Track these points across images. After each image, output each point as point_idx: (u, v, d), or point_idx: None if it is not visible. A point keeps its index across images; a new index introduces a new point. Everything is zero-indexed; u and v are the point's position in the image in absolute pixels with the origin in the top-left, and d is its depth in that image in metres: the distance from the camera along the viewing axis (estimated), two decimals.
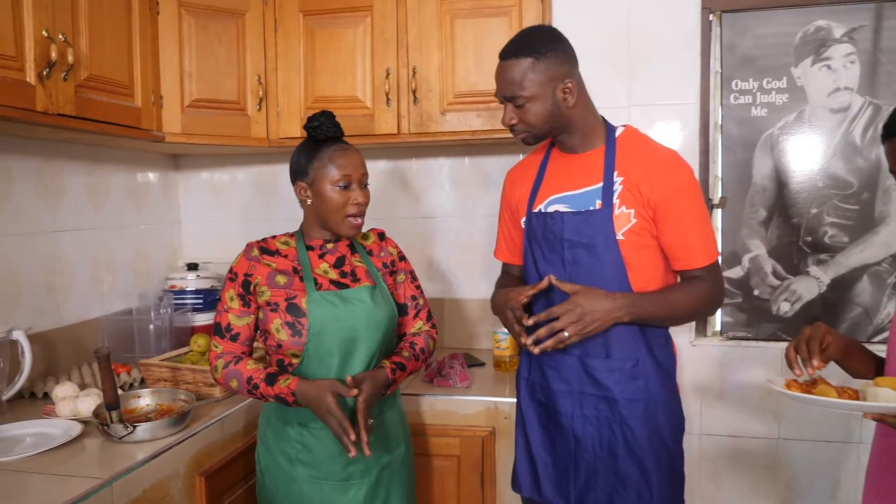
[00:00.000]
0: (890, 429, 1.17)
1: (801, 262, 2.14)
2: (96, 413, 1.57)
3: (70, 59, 1.67)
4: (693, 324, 2.18)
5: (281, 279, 1.52)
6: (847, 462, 2.10)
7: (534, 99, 1.46)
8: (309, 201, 1.55)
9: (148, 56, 2.01)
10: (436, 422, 1.97)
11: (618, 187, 1.48)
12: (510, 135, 2.10)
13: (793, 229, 2.13)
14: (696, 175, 1.61)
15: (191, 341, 2.08)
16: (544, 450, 1.60)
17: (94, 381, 1.93)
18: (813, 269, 2.13)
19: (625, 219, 1.47)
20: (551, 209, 1.55)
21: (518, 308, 1.49)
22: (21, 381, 1.78)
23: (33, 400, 1.87)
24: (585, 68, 1.56)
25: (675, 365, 1.58)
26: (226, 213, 2.74)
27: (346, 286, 1.54)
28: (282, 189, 2.65)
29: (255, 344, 1.60)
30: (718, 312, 2.20)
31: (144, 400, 1.75)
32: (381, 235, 1.70)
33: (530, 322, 1.46)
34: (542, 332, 1.43)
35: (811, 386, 1.22)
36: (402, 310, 1.66)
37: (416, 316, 1.69)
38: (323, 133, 1.53)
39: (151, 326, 2.27)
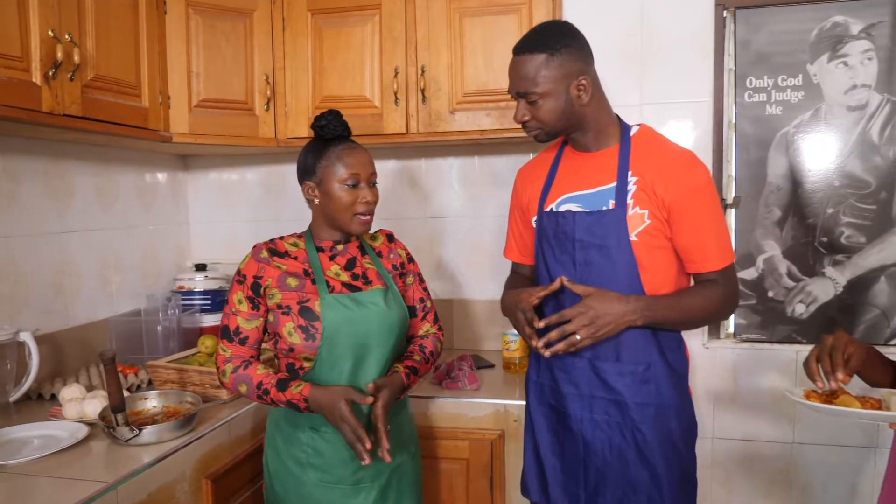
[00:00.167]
0: None
1: (816, 263, 2.10)
2: (102, 415, 1.56)
3: (76, 59, 1.66)
4: (706, 326, 2.15)
5: (292, 282, 1.50)
6: (864, 467, 2.06)
7: (547, 95, 1.43)
8: (317, 201, 1.53)
9: (155, 56, 2.00)
10: (444, 424, 1.95)
11: (632, 187, 1.45)
12: (520, 134, 2.11)
13: (808, 230, 2.09)
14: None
15: (198, 342, 2.08)
16: (553, 454, 1.58)
17: (102, 383, 1.92)
18: (829, 271, 2.09)
19: (638, 219, 1.44)
20: (563, 208, 1.52)
21: (529, 310, 1.47)
22: (28, 383, 1.78)
23: (41, 401, 1.87)
24: (596, 66, 1.53)
25: (688, 368, 1.55)
26: (235, 214, 2.73)
27: (358, 289, 1.52)
28: (290, 189, 2.64)
29: (263, 346, 1.58)
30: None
31: (151, 402, 1.74)
32: (390, 237, 1.68)
33: (541, 325, 1.43)
34: (553, 334, 1.40)
35: (831, 396, 1.18)
36: (410, 312, 1.64)
37: (423, 318, 1.68)
38: (330, 132, 1.52)
39: (159, 327, 2.26)
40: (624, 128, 1.52)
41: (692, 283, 1.53)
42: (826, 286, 2.09)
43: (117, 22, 1.85)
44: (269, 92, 2.25)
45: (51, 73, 1.60)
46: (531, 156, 2.36)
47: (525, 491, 1.65)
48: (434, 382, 2.06)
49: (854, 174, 2.05)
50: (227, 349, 1.51)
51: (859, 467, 2.07)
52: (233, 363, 1.49)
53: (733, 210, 2.14)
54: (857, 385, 1.22)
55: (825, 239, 2.08)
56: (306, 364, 1.49)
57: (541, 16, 2.03)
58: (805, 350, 2.06)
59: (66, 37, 1.64)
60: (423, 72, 2.14)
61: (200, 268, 2.56)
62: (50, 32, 1.59)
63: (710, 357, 2.15)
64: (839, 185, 2.06)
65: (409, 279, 1.66)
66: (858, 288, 2.07)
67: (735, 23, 2.10)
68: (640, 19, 2.12)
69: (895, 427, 1.06)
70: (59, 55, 1.61)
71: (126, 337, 2.26)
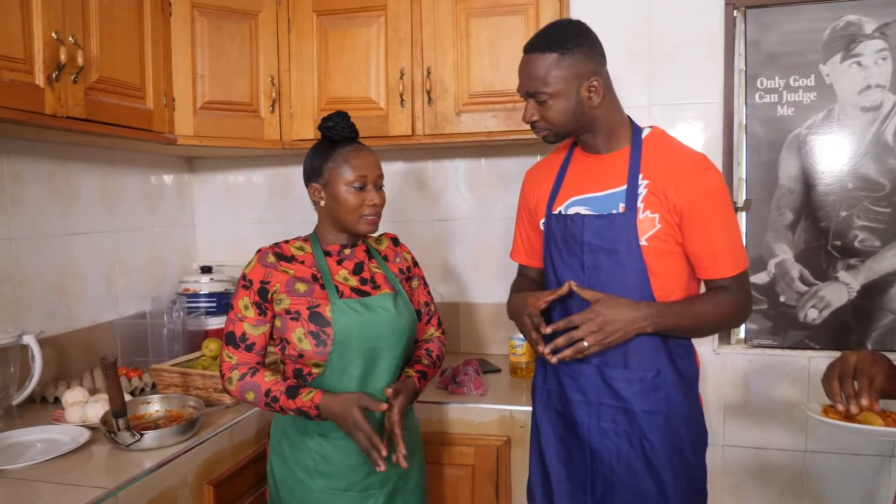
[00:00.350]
0: None
1: (829, 267, 2.06)
2: (104, 420, 1.54)
3: (80, 61, 1.65)
4: (717, 334, 2.11)
5: (301, 286, 1.47)
6: (879, 476, 2.02)
7: (557, 96, 1.41)
8: (323, 203, 1.51)
9: (160, 57, 2.00)
10: (450, 430, 1.92)
11: (642, 191, 1.42)
12: (527, 136, 2.09)
13: (821, 233, 2.05)
14: None
15: (203, 346, 2.06)
16: (559, 461, 1.55)
17: (105, 386, 1.91)
18: (842, 275, 2.05)
19: (649, 224, 1.41)
20: (571, 211, 1.49)
21: (536, 314, 1.44)
22: (31, 387, 1.77)
23: (44, 404, 1.87)
24: None
25: (698, 376, 1.51)
26: (240, 216, 2.73)
27: (367, 293, 1.51)
28: (297, 191, 2.63)
29: (268, 350, 1.56)
30: None
31: (154, 406, 1.73)
32: (395, 241, 1.66)
33: (548, 331, 1.40)
34: (560, 340, 1.38)
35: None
36: (416, 316, 1.62)
37: (428, 322, 1.67)
38: (338, 133, 1.50)
39: (164, 330, 2.25)
40: (635, 130, 1.49)
41: (703, 289, 1.50)
42: (839, 291, 2.05)
43: (122, 24, 1.84)
44: (274, 93, 2.24)
45: (54, 76, 1.59)
46: (539, 157, 2.33)
47: (531, 499, 1.62)
48: (440, 387, 2.04)
49: (868, 176, 2.01)
50: (233, 356, 1.48)
51: (874, 477, 2.02)
52: (239, 370, 1.47)
53: (744, 213, 2.10)
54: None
55: (838, 242, 2.04)
56: (315, 370, 1.47)
57: (548, 16, 2.01)
58: (818, 357, 2.04)
59: (70, 39, 1.63)
60: (428, 73, 2.12)
61: (206, 270, 2.55)
62: (53, 34, 1.58)
63: (721, 363, 2.12)
64: (853, 187, 2.02)
65: (415, 283, 1.64)
66: (873, 293, 2.03)
67: (745, 22, 2.07)
68: (648, 19, 2.09)
69: None
70: (63, 57, 1.60)
71: (131, 339, 2.26)
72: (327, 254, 1.54)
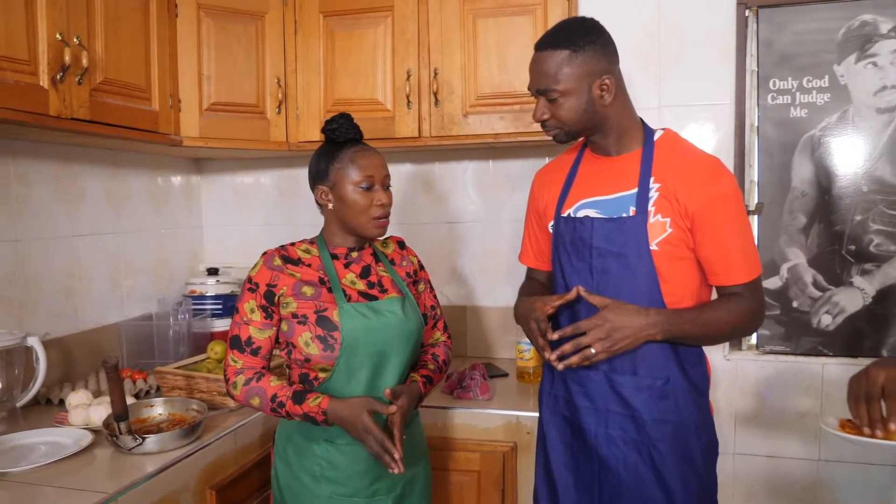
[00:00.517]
0: None
1: (844, 272, 2.01)
2: (106, 423, 1.54)
3: (85, 62, 1.64)
4: (728, 342, 2.07)
5: (308, 290, 1.45)
6: (894, 487, 1.97)
7: (568, 94, 1.38)
8: (330, 205, 1.50)
9: (165, 59, 1.99)
10: (455, 435, 1.90)
11: (653, 194, 1.39)
12: (535, 137, 2.07)
13: (835, 237, 2.01)
14: None
15: (208, 348, 2.06)
16: (566, 468, 1.52)
17: (107, 390, 1.91)
18: (857, 280, 2.01)
19: (660, 228, 1.38)
20: (581, 214, 1.46)
21: (543, 320, 1.41)
22: (35, 389, 1.76)
23: (49, 406, 1.87)
24: None
25: (709, 384, 1.48)
26: (248, 218, 2.72)
27: (374, 297, 1.49)
28: (304, 193, 2.58)
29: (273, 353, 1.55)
30: None
31: (157, 409, 1.72)
32: (402, 244, 1.65)
33: (555, 337, 1.38)
34: (567, 347, 1.35)
35: None
36: (423, 320, 1.60)
37: (434, 326, 1.65)
38: (342, 135, 1.49)
39: (170, 332, 2.25)
40: (647, 132, 1.46)
41: (715, 295, 1.47)
42: (854, 296, 2.01)
43: (127, 25, 1.84)
44: (280, 95, 2.22)
45: (58, 77, 1.58)
46: (547, 159, 2.31)
47: None
48: (445, 392, 2.02)
49: (884, 179, 1.97)
50: (239, 360, 1.46)
51: (889, 488, 1.98)
52: (245, 374, 1.45)
53: (756, 217, 2.07)
54: None
55: (853, 247, 2.00)
56: (322, 374, 1.45)
57: (556, 16, 1.98)
58: (832, 364, 2.00)
59: (75, 40, 1.63)
60: (435, 74, 2.10)
61: (212, 272, 2.55)
62: (58, 35, 1.58)
63: (732, 370, 2.08)
64: (868, 190, 1.98)
65: (421, 286, 1.63)
66: (888, 298, 1.98)
67: (758, 22, 2.04)
68: (658, 19, 2.06)
69: None
70: (67, 58, 1.59)
71: (136, 341, 2.25)
72: (334, 257, 1.52)
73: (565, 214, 1.50)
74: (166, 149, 2.24)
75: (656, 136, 1.46)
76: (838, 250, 2.02)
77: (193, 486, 1.54)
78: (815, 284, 2.04)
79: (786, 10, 2.01)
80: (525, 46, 2.02)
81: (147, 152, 2.37)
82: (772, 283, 2.06)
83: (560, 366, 1.36)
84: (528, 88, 1.46)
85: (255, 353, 1.46)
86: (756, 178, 2.08)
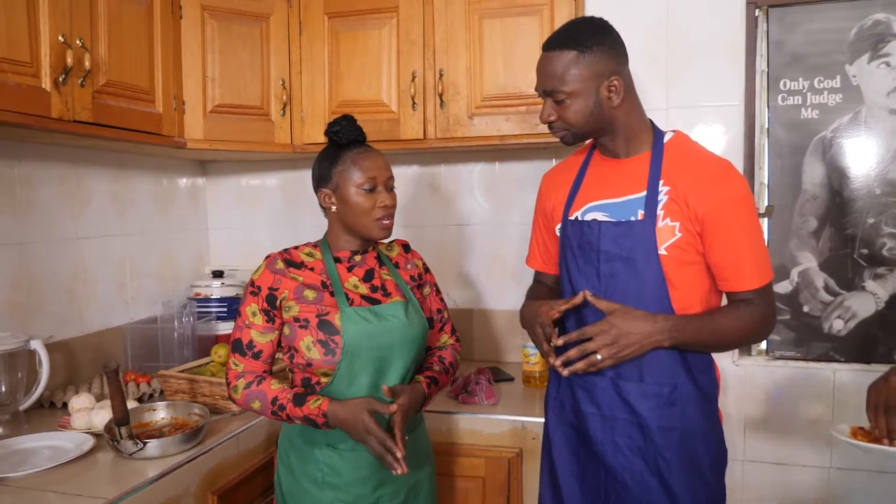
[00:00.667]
0: None
1: (856, 276, 1.98)
2: (107, 428, 1.52)
3: (87, 64, 1.64)
4: (738, 349, 2.04)
5: (310, 294, 1.44)
6: None
7: (575, 95, 1.36)
8: (334, 208, 1.48)
9: (169, 60, 1.98)
10: (460, 441, 1.88)
11: (663, 197, 1.36)
12: (541, 139, 2.04)
13: (847, 240, 1.98)
14: None
15: (212, 351, 2.05)
16: (572, 475, 1.49)
17: (108, 394, 1.90)
18: (869, 284, 1.97)
19: (669, 232, 1.35)
20: (588, 217, 1.44)
21: (548, 325, 1.39)
22: (38, 392, 1.76)
23: (53, 410, 1.86)
24: None
25: (718, 391, 1.45)
26: (254, 220, 2.71)
27: (377, 301, 1.47)
28: (310, 195, 2.56)
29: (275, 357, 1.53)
30: None
31: (160, 413, 1.71)
32: (406, 247, 1.63)
33: (560, 342, 1.35)
34: (572, 353, 1.33)
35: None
36: (428, 323, 1.58)
37: (441, 329, 1.64)
38: (344, 137, 1.47)
39: (175, 335, 2.24)
40: (657, 134, 1.44)
41: (724, 301, 1.44)
42: (866, 301, 1.97)
43: (131, 27, 1.83)
44: (285, 97, 2.21)
45: (61, 79, 1.58)
46: (555, 161, 2.29)
47: None
48: (450, 396, 2.00)
49: None
50: (240, 363, 1.45)
51: None
52: (245, 378, 1.44)
53: (766, 220, 2.04)
54: None
55: (865, 250, 1.97)
56: (324, 379, 1.43)
57: (563, 17, 1.96)
58: (843, 370, 1.96)
59: (78, 42, 1.62)
60: (441, 75, 2.08)
61: (217, 275, 2.54)
62: (60, 37, 1.57)
63: (741, 375, 2.05)
64: (881, 193, 1.95)
65: (427, 290, 1.61)
66: None
67: (768, 22, 2.01)
68: (666, 19, 2.03)
69: None
70: (70, 60, 1.59)
71: (141, 344, 2.25)
72: (337, 260, 1.51)
73: (573, 217, 1.47)
74: (171, 151, 2.23)
75: (666, 139, 1.43)
76: (850, 254, 1.98)
77: (195, 491, 1.53)
78: (827, 289, 2.00)
79: (796, 9, 1.98)
80: (531, 47, 2.00)
81: (152, 155, 2.36)
82: (782, 288, 2.03)
83: (565, 372, 1.34)
84: (535, 89, 1.44)
85: (256, 356, 1.45)
86: (766, 181, 2.05)
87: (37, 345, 1.74)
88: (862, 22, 1.94)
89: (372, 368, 1.43)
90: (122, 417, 1.46)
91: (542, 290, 1.63)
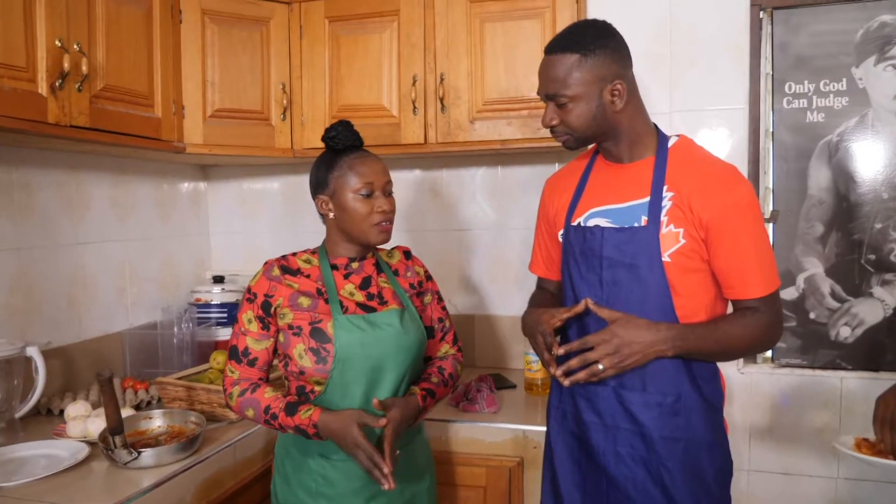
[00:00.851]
0: None
1: (863, 282, 1.95)
2: (101, 437, 1.51)
3: (84, 69, 1.63)
4: (743, 358, 2.00)
5: (304, 301, 1.43)
6: None
7: (578, 99, 1.33)
8: (331, 215, 1.47)
9: (169, 65, 1.97)
10: (460, 449, 1.85)
11: (666, 203, 1.34)
12: (543, 144, 2.02)
13: (854, 246, 1.95)
14: None
15: (210, 358, 2.03)
16: (574, 485, 1.47)
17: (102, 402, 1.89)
18: (877, 291, 1.94)
19: (672, 238, 1.32)
20: (591, 223, 1.42)
21: (549, 333, 1.37)
22: (34, 400, 1.74)
23: (50, 417, 1.85)
24: None
25: (723, 401, 1.42)
26: (256, 225, 2.70)
27: (373, 309, 1.45)
28: (310, 200, 2.58)
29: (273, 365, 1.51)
30: None
31: (156, 422, 1.69)
32: (407, 254, 1.60)
33: (561, 352, 1.33)
34: (574, 362, 1.30)
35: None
36: (428, 332, 1.56)
37: (442, 339, 1.61)
38: (341, 142, 1.46)
39: (175, 341, 2.23)
40: (661, 138, 1.41)
41: (730, 309, 1.41)
42: (874, 308, 1.94)
43: (129, 31, 1.82)
44: (285, 101, 2.20)
45: (58, 84, 1.56)
46: (557, 166, 2.27)
47: None
48: (451, 404, 1.97)
49: None
50: (235, 370, 1.45)
51: None
52: (240, 385, 1.43)
53: (771, 225, 2.01)
54: None
55: (873, 256, 1.93)
56: (317, 388, 1.42)
57: (565, 20, 1.94)
58: (851, 378, 1.93)
59: (75, 46, 1.61)
60: (441, 79, 2.06)
61: (218, 280, 2.53)
62: (57, 42, 1.56)
63: (746, 383, 2.01)
64: (888, 197, 1.92)
65: (427, 298, 1.58)
66: None
67: (772, 24, 1.98)
68: (669, 22, 2.00)
69: None
70: (67, 65, 1.57)
71: (141, 350, 2.24)
72: (334, 267, 1.49)
73: (575, 223, 1.45)
74: (172, 156, 2.22)
75: (671, 143, 1.41)
76: (857, 259, 1.95)
77: (191, 500, 1.51)
78: (833, 295, 1.97)
79: (801, 11, 1.95)
80: (533, 51, 1.98)
81: (153, 160, 2.35)
82: (788, 294, 2.00)
83: (566, 382, 1.31)
84: (537, 93, 1.42)
85: (251, 364, 1.44)
86: (771, 185, 2.02)
87: (33, 351, 1.73)
88: (868, 24, 1.91)
89: (364, 378, 1.40)
90: (115, 426, 1.44)
91: (544, 296, 1.61)
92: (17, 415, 1.73)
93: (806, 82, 1.97)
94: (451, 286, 2.45)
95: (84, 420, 1.64)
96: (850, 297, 1.96)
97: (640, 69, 2.00)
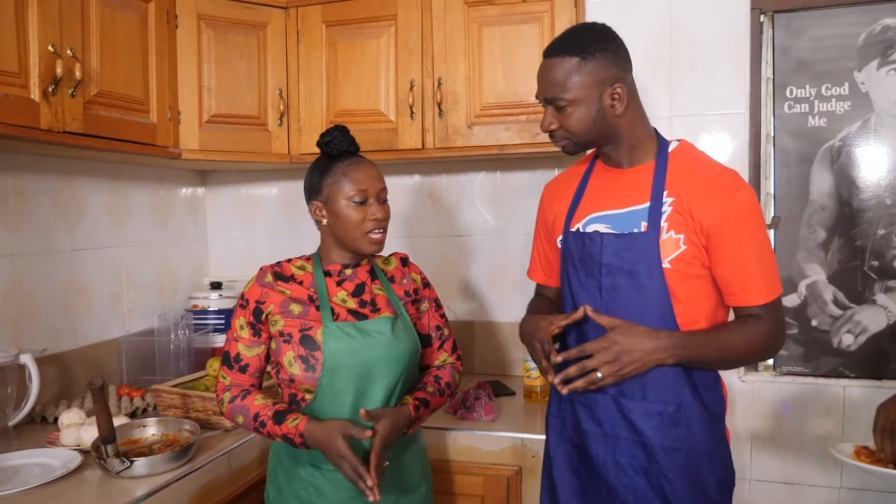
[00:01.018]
0: None
1: (866, 289, 1.92)
2: (94, 446, 1.49)
3: (78, 74, 1.61)
4: (745, 366, 1.98)
5: (295, 308, 1.41)
6: None
7: (577, 103, 1.32)
8: (325, 221, 1.45)
9: (165, 70, 1.96)
10: (458, 458, 1.83)
11: (667, 209, 1.32)
12: (542, 149, 2.00)
13: (857, 252, 1.92)
14: None
15: (207, 365, 2.01)
16: (573, 495, 1.45)
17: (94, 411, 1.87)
18: (880, 298, 1.91)
19: (673, 245, 1.31)
20: (590, 229, 1.40)
21: (547, 340, 1.34)
22: (27, 408, 1.73)
23: (44, 425, 1.83)
24: None
25: (725, 410, 1.40)
26: (254, 231, 2.69)
27: (364, 316, 1.43)
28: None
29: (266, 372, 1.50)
30: None
31: (150, 430, 1.67)
32: (405, 261, 1.58)
33: (559, 359, 1.31)
34: (572, 370, 1.28)
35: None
36: (425, 341, 1.54)
37: (440, 347, 1.58)
38: (336, 147, 1.45)
39: (172, 347, 2.21)
40: (662, 143, 1.40)
41: (732, 316, 1.39)
42: (877, 315, 1.91)
43: (124, 36, 1.81)
44: (282, 106, 2.19)
45: (50, 89, 1.55)
46: (557, 171, 2.25)
47: None
48: (448, 412, 1.95)
49: None
50: (227, 377, 1.44)
51: None
52: (231, 392, 1.43)
53: (773, 231, 1.98)
54: None
55: (876, 263, 1.91)
56: (308, 395, 1.40)
57: (563, 24, 1.92)
58: (853, 386, 1.90)
59: (68, 52, 1.60)
60: (439, 84, 2.05)
61: (215, 286, 2.51)
62: (50, 47, 1.55)
63: (748, 392, 1.99)
64: (891, 203, 1.89)
65: (424, 305, 1.56)
66: None
67: (773, 27, 1.96)
68: (669, 26, 1.98)
69: None
70: (60, 70, 1.56)
71: (137, 357, 2.22)
72: (327, 274, 1.47)
73: (574, 229, 1.43)
74: (169, 161, 2.21)
75: (671, 148, 1.39)
76: (860, 266, 1.92)
77: None
78: (836, 302, 1.95)
79: (803, 14, 1.93)
80: (531, 55, 1.97)
81: (149, 165, 2.34)
82: (790, 301, 1.97)
83: (564, 390, 1.29)
84: (536, 97, 1.40)
85: (242, 370, 1.44)
86: (772, 191, 2.00)
87: (26, 359, 1.72)
88: (871, 28, 1.89)
89: (354, 387, 1.39)
90: (107, 435, 1.42)
91: (543, 303, 1.59)
92: (11, 423, 1.71)
93: (807, 87, 1.95)
94: (450, 292, 2.43)
95: (78, 428, 1.63)
96: (853, 305, 1.93)
97: (640, 73, 1.98)
